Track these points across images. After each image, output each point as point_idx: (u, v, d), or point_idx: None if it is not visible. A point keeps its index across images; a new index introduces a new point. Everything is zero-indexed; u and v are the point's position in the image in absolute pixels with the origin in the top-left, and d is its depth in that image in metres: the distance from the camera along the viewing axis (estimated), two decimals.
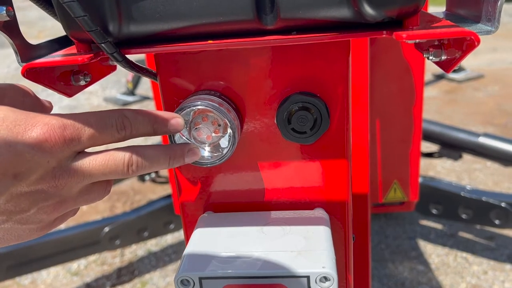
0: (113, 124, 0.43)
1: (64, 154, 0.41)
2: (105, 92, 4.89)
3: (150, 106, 4.33)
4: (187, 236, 0.59)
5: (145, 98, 4.59)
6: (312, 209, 0.57)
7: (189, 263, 0.48)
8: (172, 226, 2.07)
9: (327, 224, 0.53)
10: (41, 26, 7.46)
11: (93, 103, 4.65)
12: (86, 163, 0.42)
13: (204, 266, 0.47)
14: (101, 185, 0.45)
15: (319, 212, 0.55)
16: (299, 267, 0.45)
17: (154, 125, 0.45)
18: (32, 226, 0.42)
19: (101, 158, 0.43)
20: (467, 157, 2.18)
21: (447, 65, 0.47)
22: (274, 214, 0.56)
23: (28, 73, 0.45)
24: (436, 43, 0.47)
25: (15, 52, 0.47)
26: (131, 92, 4.66)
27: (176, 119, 0.47)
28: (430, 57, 0.47)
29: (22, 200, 0.40)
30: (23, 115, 0.39)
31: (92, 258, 2.28)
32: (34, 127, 0.39)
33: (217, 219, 0.56)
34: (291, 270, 0.45)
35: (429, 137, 2.06)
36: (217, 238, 0.52)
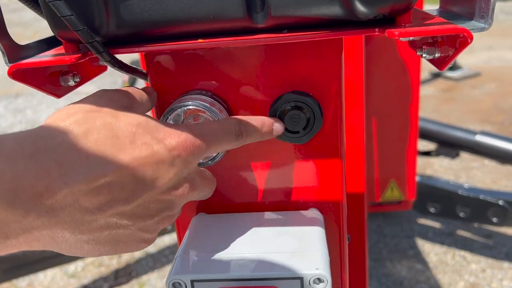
0: (232, 131, 0.45)
1: (194, 165, 0.43)
2: None
3: None
4: (180, 238, 0.58)
5: None
6: (306, 209, 0.56)
7: (181, 265, 0.47)
8: (169, 227, 2.06)
9: (321, 225, 0.53)
10: (36, 27, 7.43)
11: None
12: (209, 176, 0.48)
13: (196, 268, 0.46)
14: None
15: (313, 213, 0.55)
16: (293, 269, 0.45)
17: (262, 129, 0.48)
18: (146, 235, 0.42)
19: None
20: (464, 155, 2.18)
21: (441, 63, 0.46)
22: (268, 215, 0.55)
23: (15, 74, 0.44)
24: (429, 41, 0.46)
25: (2, 53, 0.47)
26: None
27: (278, 123, 0.50)
28: (424, 55, 0.46)
29: (152, 205, 0.40)
30: (161, 123, 0.41)
31: (89, 259, 2.27)
32: (172, 136, 0.40)
33: (210, 221, 0.55)
34: (285, 272, 0.45)
35: (426, 135, 2.05)
36: (210, 240, 0.51)
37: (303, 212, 0.55)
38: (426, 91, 4.20)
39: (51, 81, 0.50)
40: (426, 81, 4.44)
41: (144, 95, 0.48)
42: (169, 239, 2.39)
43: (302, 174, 0.55)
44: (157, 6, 0.43)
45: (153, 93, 0.51)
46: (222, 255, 0.48)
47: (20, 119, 4.44)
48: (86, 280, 2.15)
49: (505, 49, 5.39)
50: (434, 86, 4.40)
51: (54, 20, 0.43)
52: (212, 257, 0.48)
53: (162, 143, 0.39)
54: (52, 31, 0.45)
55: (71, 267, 2.24)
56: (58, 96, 0.51)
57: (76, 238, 0.36)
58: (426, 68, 4.25)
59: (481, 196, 1.88)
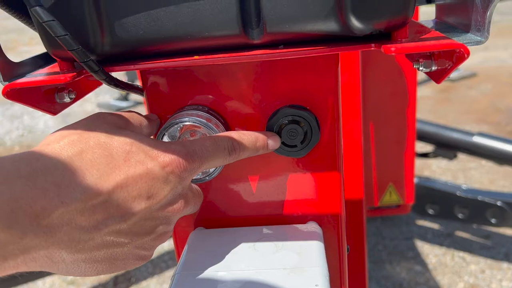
0: (225, 147, 0.45)
1: (188, 181, 0.43)
2: (98, 98, 4.87)
3: (142, 111, 4.30)
4: (178, 253, 0.58)
5: (138, 103, 4.57)
6: (305, 222, 0.56)
7: (180, 283, 0.47)
8: None
9: (320, 239, 0.52)
10: (32, 33, 7.39)
11: (86, 109, 4.63)
12: (197, 191, 0.47)
13: (195, 286, 0.46)
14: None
15: (312, 226, 0.55)
16: (292, 286, 0.44)
17: (256, 144, 0.47)
18: (143, 253, 0.42)
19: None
20: (462, 156, 2.18)
21: (438, 76, 0.46)
22: (266, 229, 0.55)
23: (9, 94, 0.44)
24: (426, 54, 0.46)
25: None
26: (124, 98, 4.65)
27: (272, 137, 0.50)
28: (420, 68, 0.46)
29: (148, 222, 0.40)
30: (154, 141, 0.42)
31: None
32: (165, 153, 0.40)
33: (208, 236, 0.55)
34: None
35: (423, 137, 2.05)
36: (208, 256, 0.51)
37: (301, 226, 0.55)
38: (423, 92, 4.21)
39: (46, 99, 0.50)
40: (423, 82, 4.45)
41: (143, 121, 0.48)
42: (168, 244, 2.38)
43: (301, 187, 0.54)
44: (152, 24, 0.42)
45: (156, 121, 0.51)
46: (221, 271, 0.48)
47: (17, 125, 4.42)
48: (85, 287, 2.15)
49: (500, 50, 5.41)
50: (431, 87, 4.41)
51: (48, 39, 0.43)
52: (211, 274, 0.48)
53: (156, 160, 0.40)
54: (47, 49, 0.44)
55: None
56: (54, 113, 0.51)
57: (74, 258, 0.37)
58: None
59: (479, 197, 1.88)
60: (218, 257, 0.50)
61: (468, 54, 0.39)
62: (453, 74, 4.56)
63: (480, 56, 5.17)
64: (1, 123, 4.49)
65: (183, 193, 0.43)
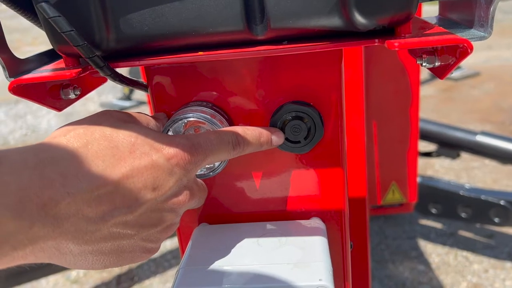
0: (229, 141, 0.45)
1: (193, 173, 0.44)
2: (101, 98, 4.88)
3: (146, 111, 4.31)
4: (182, 248, 0.58)
5: (141, 103, 4.58)
6: (309, 218, 0.56)
7: (184, 278, 0.47)
8: None
9: (323, 234, 0.52)
10: (35, 33, 7.44)
11: (89, 109, 4.64)
12: (202, 185, 0.48)
13: (199, 281, 0.46)
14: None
15: (316, 222, 0.55)
16: (296, 280, 0.45)
17: (260, 139, 0.48)
18: (149, 245, 0.42)
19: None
20: (465, 155, 2.18)
21: (441, 71, 0.46)
22: (270, 225, 0.55)
23: (15, 89, 0.45)
24: (429, 49, 0.46)
25: (3, 67, 0.47)
26: (127, 97, 4.66)
27: (276, 133, 0.50)
28: (424, 64, 0.46)
29: (154, 214, 0.41)
30: (159, 134, 0.42)
31: None
32: (170, 145, 0.41)
33: (212, 231, 0.55)
34: (288, 284, 0.45)
35: (426, 136, 2.05)
36: (212, 251, 0.51)
37: (305, 221, 0.55)
38: (426, 91, 4.20)
39: (51, 95, 0.50)
40: (426, 81, 4.44)
41: (150, 119, 0.48)
42: (171, 243, 2.38)
43: (304, 183, 0.55)
44: (157, 20, 0.43)
45: (163, 120, 0.51)
46: (225, 267, 0.48)
47: (21, 124, 4.44)
48: (88, 286, 2.15)
49: (503, 49, 5.39)
50: (434, 86, 4.40)
51: (54, 35, 0.43)
52: (215, 269, 0.48)
53: (161, 152, 0.40)
54: (52, 45, 0.45)
55: (73, 273, 2.24)
56: (59, 109, 0.51)
57: (81, 249, 0.37)
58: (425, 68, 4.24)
59: (483, 196, 1.87)
60: (222, 253, 0.50)
61: (472, 49, 0.39)
62: (456, 73, 4.55)
63: (483, 55, 5.15)
64: (4, 123, 4.51)
65: (188, 185, 0.44)
